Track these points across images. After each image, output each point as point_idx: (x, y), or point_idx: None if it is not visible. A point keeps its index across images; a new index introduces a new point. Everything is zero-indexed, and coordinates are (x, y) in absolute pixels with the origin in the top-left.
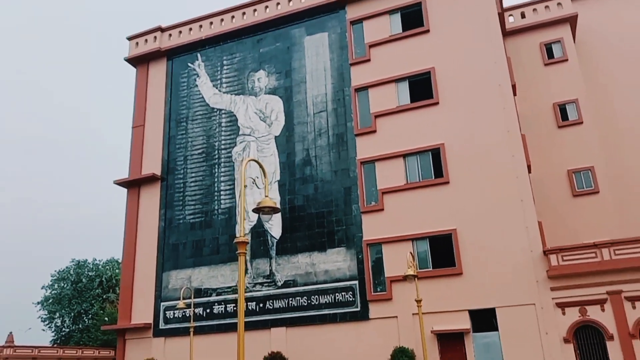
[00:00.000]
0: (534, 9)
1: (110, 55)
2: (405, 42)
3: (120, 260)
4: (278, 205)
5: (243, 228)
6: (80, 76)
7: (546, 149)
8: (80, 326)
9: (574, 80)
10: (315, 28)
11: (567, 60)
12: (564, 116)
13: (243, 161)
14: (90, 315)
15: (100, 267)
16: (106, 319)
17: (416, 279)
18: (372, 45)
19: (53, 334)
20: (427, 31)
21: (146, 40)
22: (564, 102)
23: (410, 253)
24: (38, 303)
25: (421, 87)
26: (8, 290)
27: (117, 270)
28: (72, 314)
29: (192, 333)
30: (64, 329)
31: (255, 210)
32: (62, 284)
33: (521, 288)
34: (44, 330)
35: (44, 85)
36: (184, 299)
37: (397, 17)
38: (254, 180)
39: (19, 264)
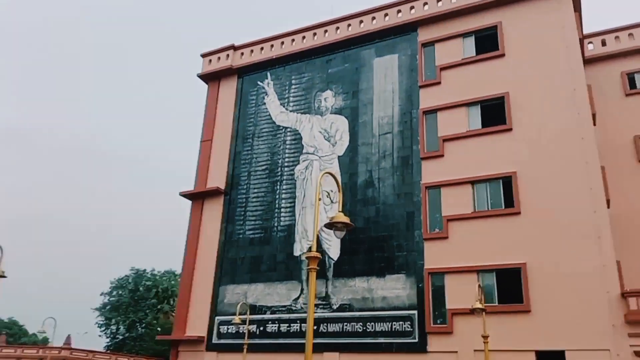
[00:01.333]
0: (616, 37)
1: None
2: (478, 66)
3: (177, 272)
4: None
5: (315, 242)
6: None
7: (625, 185)
8: (134, 334)
9: None
10: (385, 50)
11: None
12: None
13: (305, 179)
14: (144, 325)
15: (157, 277)
16: (159, 329)
17: (484, 313)
18: (443, 68)
19: (108, 340)
20: (502, 55)
21: (219, 58)
22: None
23: (479, 285)
24: (96, 309)
25: (493, 112)
26: (71, 295)
27: (172, 282)
28: (127, 322)
29: (245, 350)
30: (118, 336)
31: (328, 226)
32: (120, 292)
33: (595, 331)
34: (100, 336)
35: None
36: (239, 314)
37: (471, 40)
38: (328, 193)
39: (82, 271)
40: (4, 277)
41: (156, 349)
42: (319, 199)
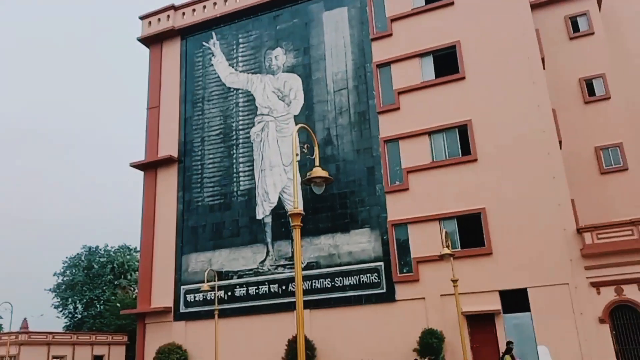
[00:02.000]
0: None
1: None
2: (429, 16)
3: (131, 247)
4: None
5: (296, 199)
6: (85, 60)
7: (572, 126)
8: (93, 312)
9: (600, 55)
10: (334, 3)
11: (593, 33)
12: (591, 91)
13: (262, 141)
14: (102, 301)
15: (112, 253)
16: (118, 304)
17: (452, 258)
18: (393, 20)
19: (66, 321)
20: (452, 3)
21: (159, 20)
22: (590, 77)
23: (445, 232)
24: (51, 290)
25: (446, 62)
26: (22, 278)
27: (128, 257)
28: (85, 301)
29: (216, 316)
30: (76, 315)
31: (306, 182)
32: (74, 271)
33: (554, 267)
34: (58, 317)
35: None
36: (207, 281)
37: None
38: (304, 146)
39: (32, 252)
40: None
41: (118, 324)
42: (297, 154)
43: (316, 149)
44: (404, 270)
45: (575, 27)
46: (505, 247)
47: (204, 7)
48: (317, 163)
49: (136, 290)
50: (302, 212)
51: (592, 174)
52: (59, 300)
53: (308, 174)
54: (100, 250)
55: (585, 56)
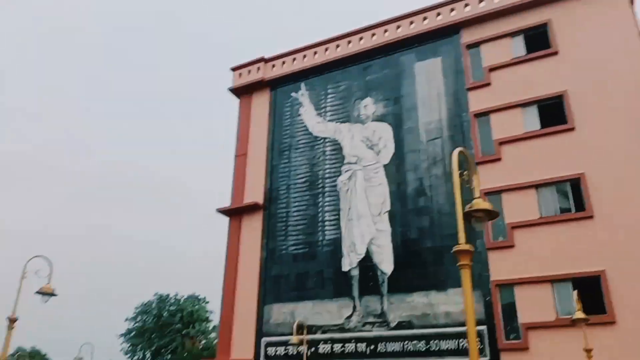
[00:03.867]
0: None
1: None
2: (530, 65)
3: (200, 297)
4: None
5: (462, 232)
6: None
7: None
8: None
9: None
10: (426, 54)
11: None
12: None
13: (349, 191)
14: (169, 351)
15: (181, 302)
16: (185, 354)
17: (584, 324)
18: (492, 69)
19: None
20: (556, 53)
21: (249, 71)
22: None
23: (578, 292)
24: (122, 335)
25: (552, 113)
26: (97, 323)
27: (197, 307)
28: (153, 348)
29: None
30: None
31: (466, 216)
32: (145, 317)
33: None
34: None
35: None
36: (293, 334)
37: (520, 39)
38: (463, 174)
39: (107, 297)
40: (54, 295)
41: None
42: (462, 177)
43: (476, 178)
44: (511, 337)
45: None
46: (630, 316)
47: (294, 59)
48: (476, 194)
49: (203, 341)
50: (471, 249)
51: None
52: (128, 345)
53: (468, 206)
54: (171, 298)
55: None
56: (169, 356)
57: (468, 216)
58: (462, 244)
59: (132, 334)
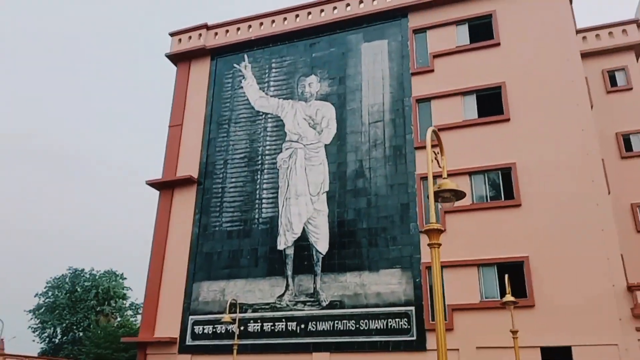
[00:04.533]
0: (597, 35)
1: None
2: (473, 55)
3: (118, 272)
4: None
5: (433, 212)
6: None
7: (612, 180)
8: (71, 338)
9: (638, 110)
10: (374, 35)
11: (631, 89)
12: (628, 147)
13: (289, 169)
14: (81, 328)
15: (97, 277)
16: (100, 332)
17: (512, 307)
18: (436, 56)
19: (43, 345)
20: (498, 44)
21: (190, 37)
22: (627, 132)
23: (507, 276)
24: (30, 311)
25: (490, 102)
26: (7, 293)
27: (114, 283)
28: (64, 325)
29: (235, 351)
30: (54, 340)
31: (435, 196)
32: (57, 292)
33: (602, 326)
34: (33, 340)
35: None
36: (217, 312)
37: (465, 28)
38: (436, 155)
39: (18, 269)
40: None
41: (98, 354)
42: (434, 159)
43: (444, 159)
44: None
45: (613, 82)
46: (548, 300)
47: (238, 28)
48: (444, 175)
49: (118, 319)
50: (442, 228)
51: (629, 232)
52: (37, 322)
53: (436, 186)
54: (86, 273)
55: (623, 111)
56: (81, 334)
57: (435, 196)
58: (433, 223)
59: (41, 310)
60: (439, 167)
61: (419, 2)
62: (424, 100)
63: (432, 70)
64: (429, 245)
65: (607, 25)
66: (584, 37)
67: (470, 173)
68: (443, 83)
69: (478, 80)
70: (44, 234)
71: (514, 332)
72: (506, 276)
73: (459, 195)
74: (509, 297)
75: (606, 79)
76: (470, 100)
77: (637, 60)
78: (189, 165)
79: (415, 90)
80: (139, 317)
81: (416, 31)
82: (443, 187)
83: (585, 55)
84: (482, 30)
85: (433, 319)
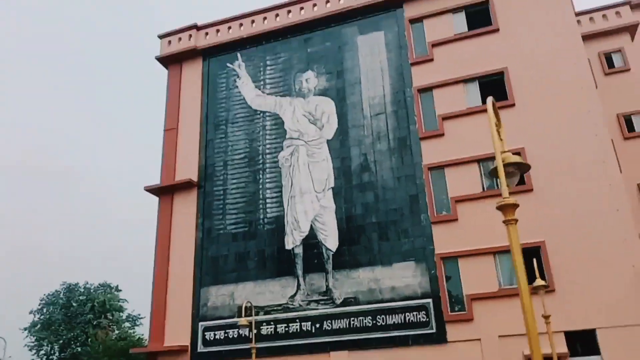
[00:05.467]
0: (591, 18)
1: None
2: (472, 42)
3: (112, 285)
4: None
5: (504, 182)
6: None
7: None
8: (69, 355)
9: (638, 90)
10: (369, 27)
11: (629, 70)
12: (630, 127)
13: (292, 166)
14: (79, 343)
15: (92, 291)
16: (98, 345)
17: (544, 291)
18: (435, 45)
19: None
20: (497, 30)
21: (180, 39)
22: (629, 113)
23: (535, 260)
24: (25, 329)
25: (493, 89)
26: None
27: (109, 295)
28: (61, 341)
29: (254, 355)
30: (51, 358)
31: (492, 172)
32: (52, 309)
33: (624, 307)
34: (32, 359)
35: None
36: (229, 317)
37: (462, 16)
38: (498, 127)
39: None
40: None
41: None
42: (498, 131)
43: (501, 129)
44: (456, 309)
45: (610, 63)
46: (568, 284)
47: (229, 27)
48: (502, 149)
49: (116, 331)
50: (517, 203)
51: (636, 212)
52: (33, 340)
53: (493, 163)
54: (80, 287)
55: (623, 92)
56: (80, 349)
57: (494, 172)
58: (507, 197)
59: (37, 327)
60: (501, 139)
61: None
62: (426, 90)
63: (432, 60)
64: (504, 222)
65: (601, 8)
66: (579, 21)
67: (479, 160)
68: (444, 72)
69: (479, 67)
70: (40, 250)
71: (547, 317)
72: (534, 260)
73: (523, 168)
74: (539, 282)
75: (603, 61)
76: (472, 88)
77: (632, 40)
78: (188, 169)
79: (416, 80)
80: (137, 328)
81: (412, 21)
82: (506, 160)
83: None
84: (479, 17)
85: (452, 310)
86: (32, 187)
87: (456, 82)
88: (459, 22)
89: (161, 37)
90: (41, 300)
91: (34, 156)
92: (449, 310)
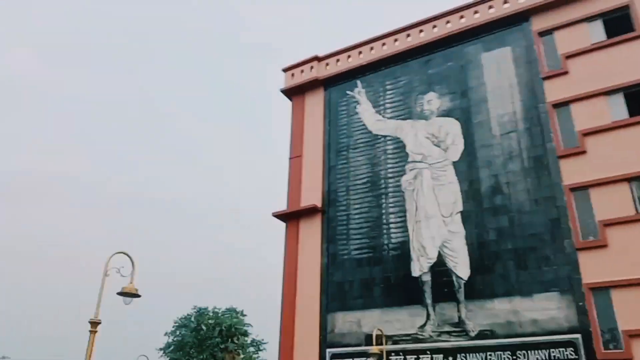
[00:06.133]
0: None
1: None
2: (612, 50)
3: (238, 310)
4: None
5: None
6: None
7: None
8: None
9: None
10: (494, 43)
11: None
12: None
13: (415, 190)
14: None
15: (219, 315)
16: None
17: None
18: (568, 56)
19: None
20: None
21: (302, 71)
22: None
23: None
24: (161, 349)
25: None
26: (137, 337)
27: (235, 320)
28: None
29: None
30: None
31: None
32: (184, 331)
33: None
34: None
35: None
36: (360, 344)
37: (598, 24)
38: None
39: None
40: (138, 296)
41: None
42: None
43: None
44: (610, 346)
45: None
46: None
47: (349, 56)
48: None
49: (242, 356)
50: None
51: None
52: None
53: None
54: (209, 312)
55: None
56: None
57: None
58: None
59: (171, 349)
60: None
61: (541, 4)
62: (562, 104)
63: (567, 72)
64: None
65: None
66: None
67: (630, 179)
68: (581, 84)
69: (623, 77)
70: (172, 275)
71: None
72: None
73: None
74: None
75: None
76: (617, 100)
77: None
78: (312, 195)
79: (550, 95)
80: (260, 353)
81: (542, 34)
82: None
83: None
84: (618, 24)
85: (606, 348)
86: (168, 218)
87: (597, 94)
88: (596, 31)
89: (285, 70)
90: (175, 323)
91: (145, 187)
92: (602, 347)
